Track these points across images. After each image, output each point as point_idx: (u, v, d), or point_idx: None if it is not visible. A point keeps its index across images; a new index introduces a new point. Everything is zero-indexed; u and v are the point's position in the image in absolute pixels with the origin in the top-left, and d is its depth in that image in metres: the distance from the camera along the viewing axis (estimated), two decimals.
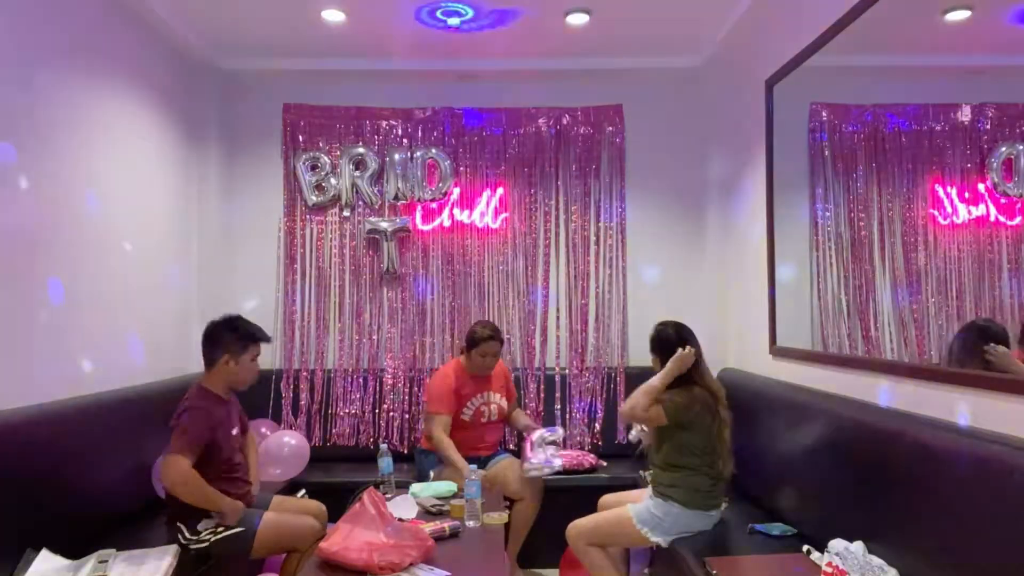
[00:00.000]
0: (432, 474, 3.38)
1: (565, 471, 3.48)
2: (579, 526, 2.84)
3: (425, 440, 3.63)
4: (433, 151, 4.26)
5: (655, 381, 2.75)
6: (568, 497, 3.49)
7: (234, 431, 2.81)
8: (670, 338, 2.86)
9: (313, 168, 4.27)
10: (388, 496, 2.85)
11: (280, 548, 2.69)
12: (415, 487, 3.00)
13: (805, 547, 2.39)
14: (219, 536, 2.56)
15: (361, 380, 4.21)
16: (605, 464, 3.73)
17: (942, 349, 2.16)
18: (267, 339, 2.88)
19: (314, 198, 4.26)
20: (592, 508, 3.10)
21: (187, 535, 2.56)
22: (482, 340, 3.52)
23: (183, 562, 2.48)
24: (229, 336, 2.74)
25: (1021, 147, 1.90)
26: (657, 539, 2.70)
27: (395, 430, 4.17)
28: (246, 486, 2.81)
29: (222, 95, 4.32)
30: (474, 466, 2.72)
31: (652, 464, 2.89)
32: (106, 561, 2.34)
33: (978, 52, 2.08)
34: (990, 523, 1.70)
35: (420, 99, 4.31)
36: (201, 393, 2.72)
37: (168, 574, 2.35)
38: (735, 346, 3.92)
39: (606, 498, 3.12)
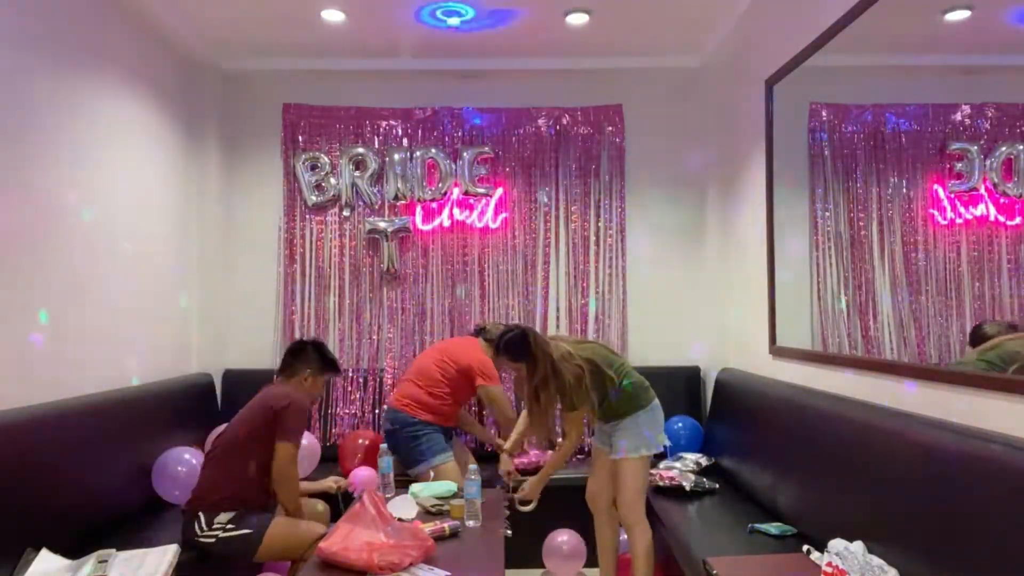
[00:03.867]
0: (432, 474, 3.38)
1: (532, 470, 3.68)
2: (629, 503, 2.88)
3: (421, 407, 3.52)
4: (433, 151, 4.26)
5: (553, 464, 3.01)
6: (559, 495, 3.52)
7: None
8: (523, 341, 2.87)
9: (313, 168, 4.27)
10: (388, 496, 2.85)
11: (286, 556, 2.69)
12: (415, 487, 2.99)
13: (805, 547, 2.39)
14: (228, 534, 2.58)
15: (361, 380, 4.21)
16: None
17: (950, 348, 2.16)
18: (339, 374, 3.16)
19: (314, 198, 4.26)
20: (574, 504, 3.19)
21: (203, 525, 2.59)
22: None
23: (183, 562, 2.48)
24: (315, 356, 2.96)
25: (1021, 147, 1.90)
26: (654, 449, 2.90)
27: None
28: (268, 488, 2.84)
29: (222, 95, 4.32)
30: (474, 467, 2.71)
31: (598, 419, 3.03)
32: (106, 561, 2.34)
33: (978, 52, 2.08)
34: (990, 523, 1.70)
35: (420, 99, 4.32)
36: (295, 393, 2.83)
37: (168, 573, 2.35)
38: (735, 346, 3.92)
39: (591, 489, 3.13)
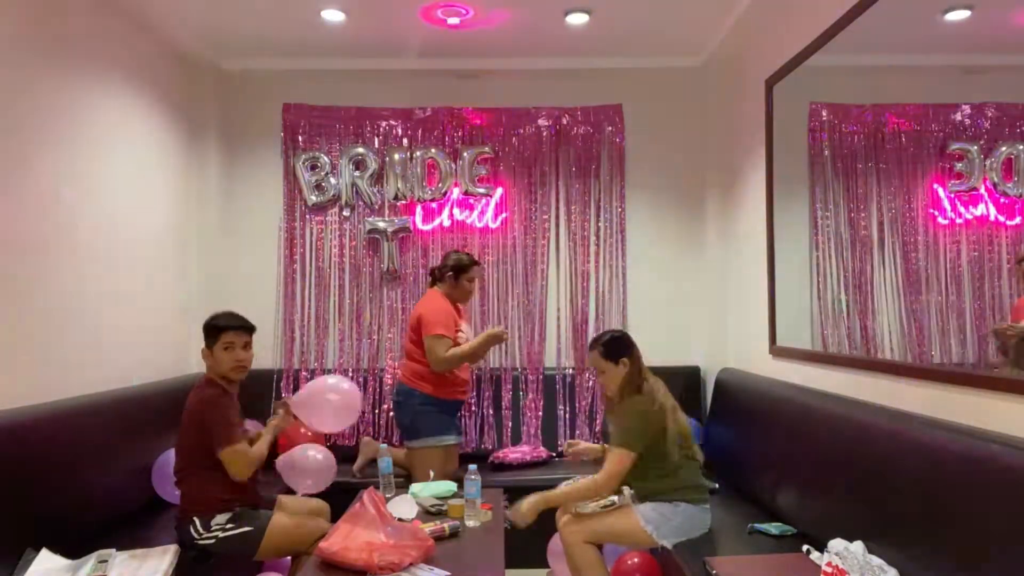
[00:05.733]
0: (432, 474, 3.37)
1: (526, 463, 3.77)
2: (577, 520, 2.73)
3: (416, 377, 3.51)
4: (433, 151, 4.26)
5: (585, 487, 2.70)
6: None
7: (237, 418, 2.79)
8: (624, 339, 2.90)
9: (313, 168, 4.27)
10: (388, 496, 2.85)
11: (288, 551, 2.68)
12: (415, 487, 3.00)
13: (805, 547, 2.39)
14: (228, 533, 2.57)
15: (361, 380, 4.22)
16: (554, 455, 4.01)
17: (950, 348, 2.16)
18: (235, 323, 2.78)
19: (314, 198, 4.26)
20: None
21: (199, 529, 2.57)
22: (470, 265, 3.56)
23: (183, 562, 2.48)
24: (205, 329, 2.75)
25: (1021, 147, 1.90)
26: (664, 541, 2.64)
27: (395, 430, 4.16)
28: (252, 483, 2.81)
29: (222, 95, 4.32)
30: (473, 466, 2.71)
31: (637, 480, 2.76)
32: (106, 561, 2.35)
33: (978, 52, 2.08)
34: (990, 523, 1.70)
35: (420, 99, 4.32)
36: (210, 383, 2.72)
37: (168, 574, 2.35)
38: (735, 346, 3.92)
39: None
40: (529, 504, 2.72)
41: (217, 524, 2.58)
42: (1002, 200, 1.97)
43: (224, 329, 2.73)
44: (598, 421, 4.20)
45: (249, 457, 2.63)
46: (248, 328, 2.79)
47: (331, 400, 3.16)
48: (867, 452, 2.23)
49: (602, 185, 4.33)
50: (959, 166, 2.11)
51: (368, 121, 4.31)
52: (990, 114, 2.02)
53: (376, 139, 4.31)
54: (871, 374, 2.46)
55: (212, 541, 2.57)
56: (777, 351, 3.28)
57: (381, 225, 4.23)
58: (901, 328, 2.34)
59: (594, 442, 3.48)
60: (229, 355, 2.72)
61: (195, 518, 2.59)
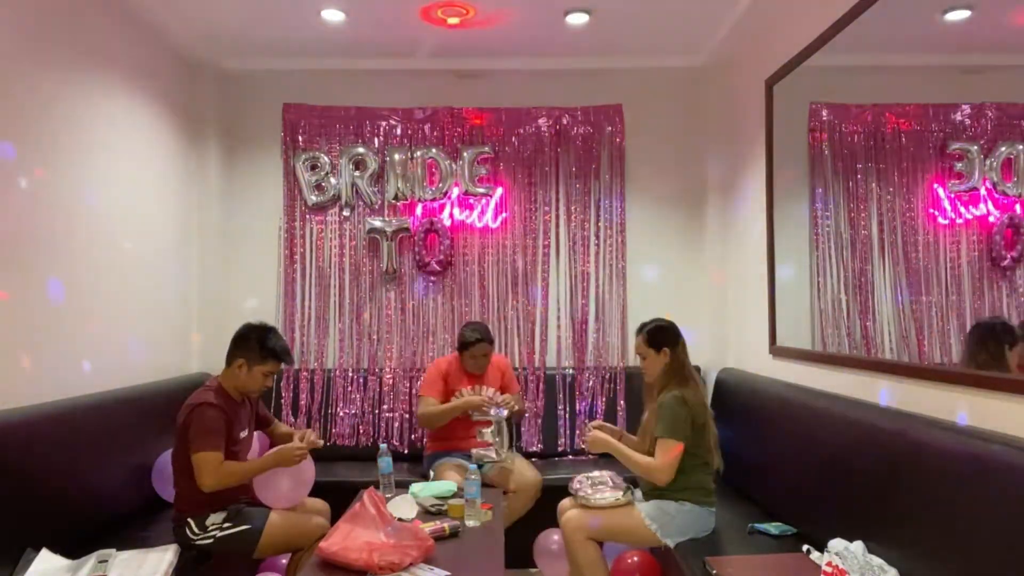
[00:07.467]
0: (432, 473, 3.37)
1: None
2: (580, 517, 2.75)
3: (428, 439, 3.74)
4: (433, 151, 4.26)
5: (634, 458, 2.74)
6: (557, 494, 3.52)
7: (242, 433, 2.77)
8: (670, 330, 2.92)
9: (313, 168, 4.27)
10: (388, 496, 2.85)
11: (287, 548, 2.69)
12: (415, 487, 2.99)
13: (805, 547, 2.39)
14: (225, 533, 2.57)
15: (361, 380, 4.21)
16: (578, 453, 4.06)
17: (950, 348, 2.16)
18: (288, 362, 2.87)
19: (314, 198, 4.26)
20: None
21: (195, 530, 2.57)
22: (471, 343, 3.59)
23: (183, 562, 2.48)
24: (254, 344, 2.74)
25: (1021, 147, 1.90)
26: (667, 539, 2.65)
27: (395, 430, 4.17)
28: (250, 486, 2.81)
29: (222, 95, 4.32)
30: (474, 466, 2.71)
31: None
32: (106, 561, 2.35)
33: (978, 52, 2.08)
34: (990, 523, 1.70)
35: (420, 99, 4.31)
36: (215, 390, 2.70)
37: (168, 573, 2.35)
38: (735, 346, 3.92)
39: (564, 502, 2.98)
40: (601, 440, 2.84)
41: (213, 524, 2.58)
42: (1002, 200, 1.97)
43: (279, 360, 2.76)
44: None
45: (220, 468, 2.55)
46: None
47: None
48: (867, 452, 2.23)
49: (602, 185, 4.33)
50: (959, 166, 2.11)
51: (368, 121, 4.31)
52: (990, 114, 2.02)
53: (376, 139, 4.31)
54: (871, 374, 2.46)
55: (210, 541, 2.57)
56: (777, 351, 3.28)
57: (381, 225, 4.23)
58: (901, 328, 2.34)
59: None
60: (263, 380, 2.76)
61: (189, 519, 2.59)
